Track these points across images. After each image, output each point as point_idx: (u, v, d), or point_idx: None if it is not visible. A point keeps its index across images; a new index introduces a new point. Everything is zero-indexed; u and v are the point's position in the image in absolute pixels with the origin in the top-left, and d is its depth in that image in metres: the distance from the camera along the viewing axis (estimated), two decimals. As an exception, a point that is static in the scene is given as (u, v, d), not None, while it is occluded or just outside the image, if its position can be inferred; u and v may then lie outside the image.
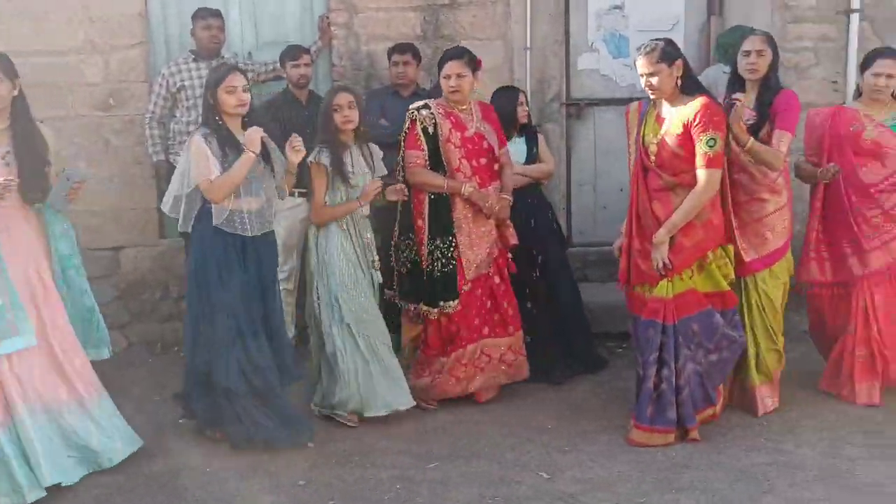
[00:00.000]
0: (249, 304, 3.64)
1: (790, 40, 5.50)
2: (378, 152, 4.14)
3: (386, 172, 4.15)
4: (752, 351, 3.88)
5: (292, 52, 4.76)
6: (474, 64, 4.03)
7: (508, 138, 4.47)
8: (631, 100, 5.45)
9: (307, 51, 4.85)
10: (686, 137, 3.51)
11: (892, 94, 4.05)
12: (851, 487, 3.18)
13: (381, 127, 4.57)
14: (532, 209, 4.56)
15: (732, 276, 3.71)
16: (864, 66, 4.06)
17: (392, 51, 4.86)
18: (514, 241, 4.19)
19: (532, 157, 4.64)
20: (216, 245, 3.62)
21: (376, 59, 5.22)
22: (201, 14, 4.86)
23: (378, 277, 4.07)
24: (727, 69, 5.34)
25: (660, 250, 3.54)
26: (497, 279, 4.16)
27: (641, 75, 3.60)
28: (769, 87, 3.88)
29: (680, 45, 5.47)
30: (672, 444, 3.59)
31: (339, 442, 3.77)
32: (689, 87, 3.59)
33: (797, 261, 4.08)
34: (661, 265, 3.54)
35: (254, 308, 3.66)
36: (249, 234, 3.65)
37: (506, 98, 4.55)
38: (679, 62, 3.55)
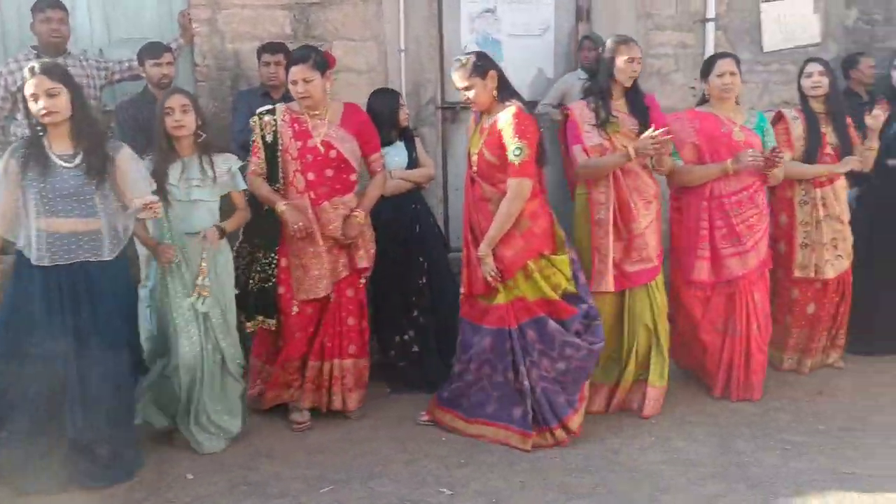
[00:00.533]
0: (49, 359, 3.15)
1: (653, 47, 5.70)
2: (226, 163, 3.68)
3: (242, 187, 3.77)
4: (642, 353, 3.94)
5: (153, 50, 4.39)
6: (324, 64, 3.72)
7: (389, 142, 4.33)
8: (505, 104, 5.54)
9: (169, 49, 4.49)
10: (500, 146, 3.51)
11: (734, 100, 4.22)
12: (745, 481, 3.26)
13: (249, 132, 4.29)
14: (416, 214, 4.43)
15: (565, 285, 3.62)
16: (706, 71, 4.19)
17: (262, 50, 4.59)
18: (363, 264, 3.87)
19: (413, 162, 4.49)
20: (18, 277, 3.23)
21: (243, 58, 4.93)
22: (40, 6, 4.38)
23: (202, 306, 3.56)
24: (583, 75, 5.46)
25: (485, 262, 3.55)
26: (343, 301, 3.85)
27: (458, 89, 3.62)
28: (639, 92, 3.97)
29: (550, 49, 5.66)
30: (542, 446, 3.59)
31: (225, 472, 3.47)
32: (505, 95, 3.59)
33: (683, 263, 4.15)
34: (489, 278, 3.54)
35: (56, 366, 3.17)
36: (50, 263, 3.16)
37: (385, 100, 4.40)
38: (493, 73, 3.56)
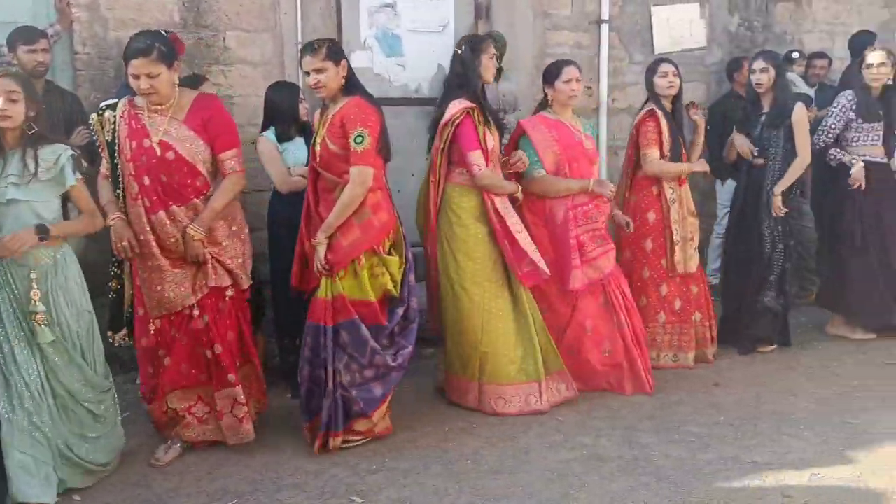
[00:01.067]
0: None
1: (550, 46, 5.76)
2: (53, 154, 3.08)
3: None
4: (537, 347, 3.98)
5: (26, 35, 4.05)
6: (171, 55, 3.27)
7: (289, 138, 4.17)
8: (405, 100, 5.45)
9: (44, 34, 4.15)
10: (342, 136, 3.43)
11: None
12: (654, 474, 3.31)
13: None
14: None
15: (389, 287, 3.52)
16: (551, 77, 4.24)
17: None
18: (211, 283, 3.37)
19: (312, 158, 4.34)
20: None
21: (128, 47, 4.62)
22: None
23: (46, 336, 3.06)
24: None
25: (318, 252, 3.45)
26: (204, 322, 3.40)
27: (307, 73, 3.50)
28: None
29: (450, 45, 5.58)
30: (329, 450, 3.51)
31: (116, 492, 3.23)
32: (351, 89, 3.52)
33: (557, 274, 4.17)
34: (319, 267, 3.45)
35: None
36: None
37: (284, 94, 4.21)
38: (344, 63, 3.50)
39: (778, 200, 4.67)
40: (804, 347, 4.94)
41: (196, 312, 3.39)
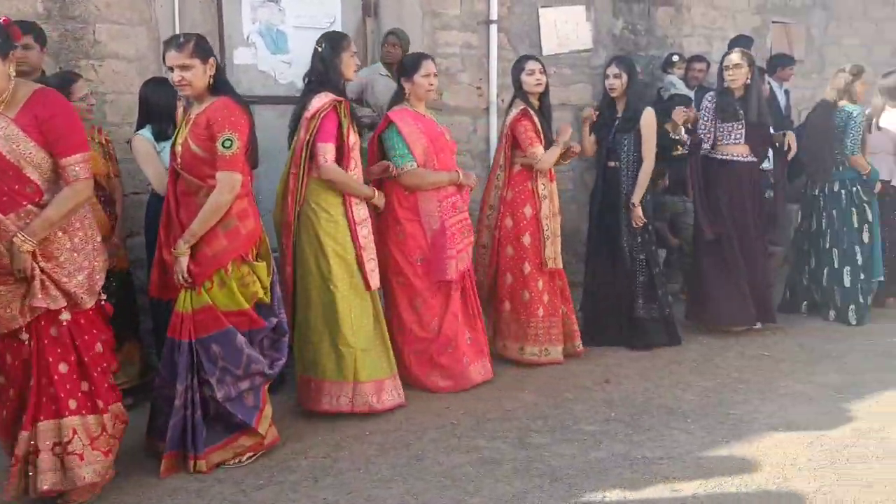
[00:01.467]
0: None
1: (440, 46, 5.73)
2: None
3: None
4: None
5: None
6: (6, 45, 2.83)
7: (167, 137, 3.93)
8: (291, 98, 5.28)
9: None
10: (208, 138, 3.25)
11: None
12: (548, 475, 3.30)
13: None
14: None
15: (261, 295, 3.40)
16: (409, 70, 4.21)
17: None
18: (37, 303, 2.88)
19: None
20: None
21: (-16, 39, 4.25)
22: None
23: None
24: (384, 71, 5.39)
25: (179, 262, 3.26)
26: (45, 345, 2.96)
27: (171, 68, 3.29)
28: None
29: (338, 43, 5.49)
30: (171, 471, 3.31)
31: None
32: (219, 88, 3.34)
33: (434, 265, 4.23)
34: (180, 278, 3.26)
35: None
36: None
37: (161, 92, 3.97)
38: (212, 60, 3.32)
39: (638, 210, 4.78)
40: (690, 342, 5.09)
41: (24, 336, 2.94)
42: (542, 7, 6.12)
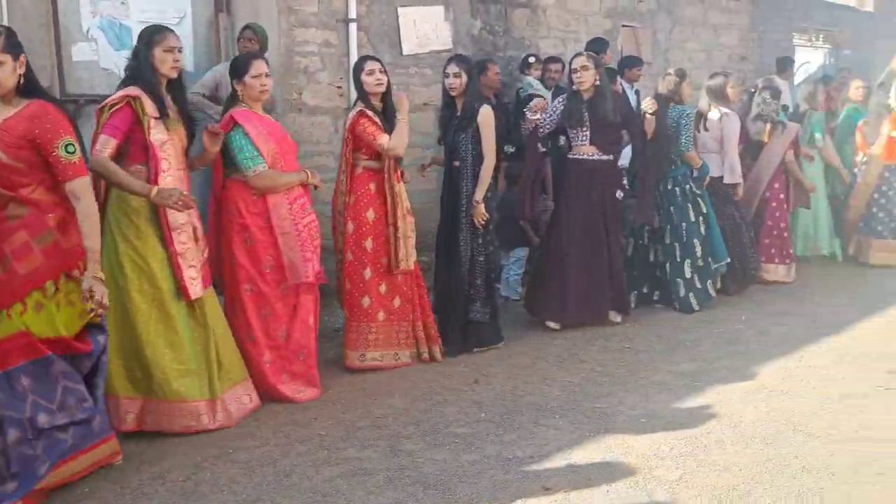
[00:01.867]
0: None
1: (298, 44, 5.57)
2: None
3: None
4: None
5: None
6: None
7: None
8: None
9: None
10: (28, 147, 2.96)
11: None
12: (420, 482, 3.24)
13: None
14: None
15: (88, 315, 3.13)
16: (239, 71, 4.04)
17: None
18: None
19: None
20: None
21: None
22: None
23: None
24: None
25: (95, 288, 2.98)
26: None
27: None
28: (182, 87, 3.87)
29: (189, 39, 5.22)
30: None
31: None
32: (30, 90, 3.04)
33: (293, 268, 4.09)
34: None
35: None
36: None
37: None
38: (23, 58, 3.00)
39: (481, 208, 4.78)
40: (555, 337, 5.19)
41: None
42: (401, 6, 6.06)
